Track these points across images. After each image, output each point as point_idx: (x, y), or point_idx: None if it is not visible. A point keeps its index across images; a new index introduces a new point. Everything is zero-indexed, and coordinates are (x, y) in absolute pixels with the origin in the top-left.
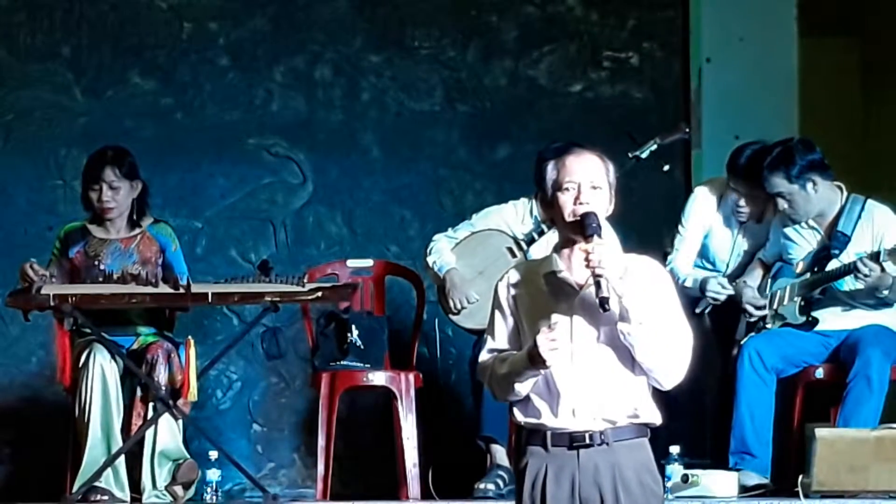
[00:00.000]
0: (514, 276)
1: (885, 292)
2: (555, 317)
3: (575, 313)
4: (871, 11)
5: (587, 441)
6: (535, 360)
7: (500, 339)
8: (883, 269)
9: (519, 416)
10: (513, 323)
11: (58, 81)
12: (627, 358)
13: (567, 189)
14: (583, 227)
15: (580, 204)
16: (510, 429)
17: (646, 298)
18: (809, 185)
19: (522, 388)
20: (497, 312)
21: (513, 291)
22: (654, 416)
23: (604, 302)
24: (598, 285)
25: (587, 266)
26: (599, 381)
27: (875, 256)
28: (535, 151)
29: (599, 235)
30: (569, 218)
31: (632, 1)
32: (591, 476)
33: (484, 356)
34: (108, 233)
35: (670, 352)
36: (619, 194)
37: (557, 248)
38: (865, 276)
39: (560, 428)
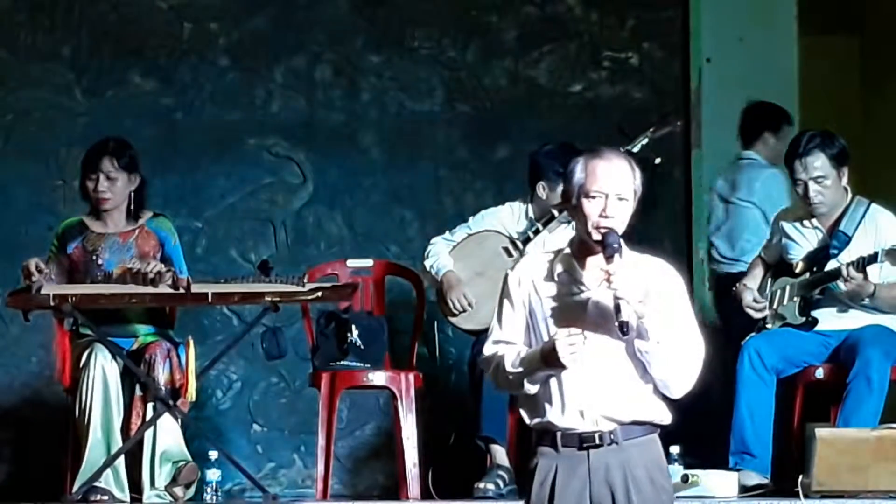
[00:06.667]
0: (526, 270)
1: (867, 300)
2: (570, 318)
3: (585, 316)
4: (871, 11)
5: (597, 441)
6: (551, 363)
7: (507, 330)
8: (865, 277)
9: (527, 417)
10: (522, 316)
11: (58, 81)
12: (638, 359)
13: (594, 198)
14: (603, 247)
15: (605, 217)
16: (510, 429)
17: (663, 313)
18: (843, 173)
19: (533, 387)
20: (506, 303)
21: (525, 285)
22: (664, 416)
23: (623, 326)
24: (617, 308)
25: (608, 287)
26: (609, 381)
27: (858, 265)
28: (530, 153)
29: (620, 255)
30: (591, 231)
31: (632, 1)
32: (602, 476)
33: (490, 347)
34: (106, 227)
35: (684, 365)
36: None
37: (573, 247)
38: (848, 282)
39: (569, 428)
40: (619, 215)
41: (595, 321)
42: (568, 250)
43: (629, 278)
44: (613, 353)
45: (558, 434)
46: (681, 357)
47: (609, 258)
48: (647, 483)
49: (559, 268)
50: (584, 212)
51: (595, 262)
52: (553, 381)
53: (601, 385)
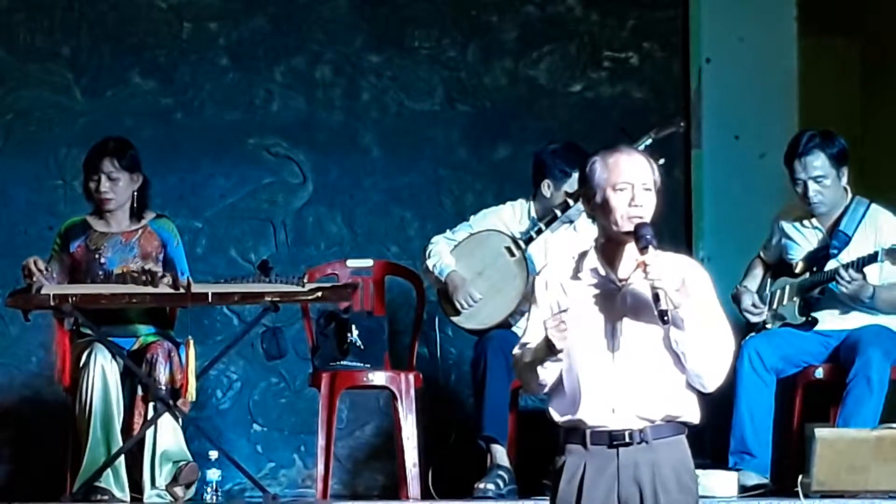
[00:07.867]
0: (552, 272)
1: (867, 300)
2: (568, 305)
3: (617, 311)
4: (871, 11)
5: (627, 440)
6: (550, 346)
7: (531, 333)
8: (864, 278)
9: (557, 414)
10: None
11: (58, 81)
12: (670, 356)
13: (621, 190)
14: (637, 238)
15: (634, 206)
16: (510, 429)
17: (697, 305)
18: (842, 173)
19: (546, 376)
20: (534, 308)
21: (552, 287)
22: (694, 414)
23: (663, 315)
24: (656, 298)
25: (646, 278)
26: (641, 379)
27: (855, 266)
28: (535, 151)
29: (654, 246)
30: (623, 222)
31: (632, 1)
32: (630, 474)
33: (516, 351)
34: (109, 226)
35: (718, 356)
36: None
37: (598, 244)
38: (846, 283)
39: (599, 426)
40: (647, 205)
41: (628, 312)
42: (594, 244)
43: (665, 268)
44: (645, 349)
45: (587, 432)
46: (715, 349)
47: (643, 249)
48: (674, 483)
49: (587, 265)
50: (612, 205)
51: (624, 257)
52: (583, 378)
53: (633, 382)
